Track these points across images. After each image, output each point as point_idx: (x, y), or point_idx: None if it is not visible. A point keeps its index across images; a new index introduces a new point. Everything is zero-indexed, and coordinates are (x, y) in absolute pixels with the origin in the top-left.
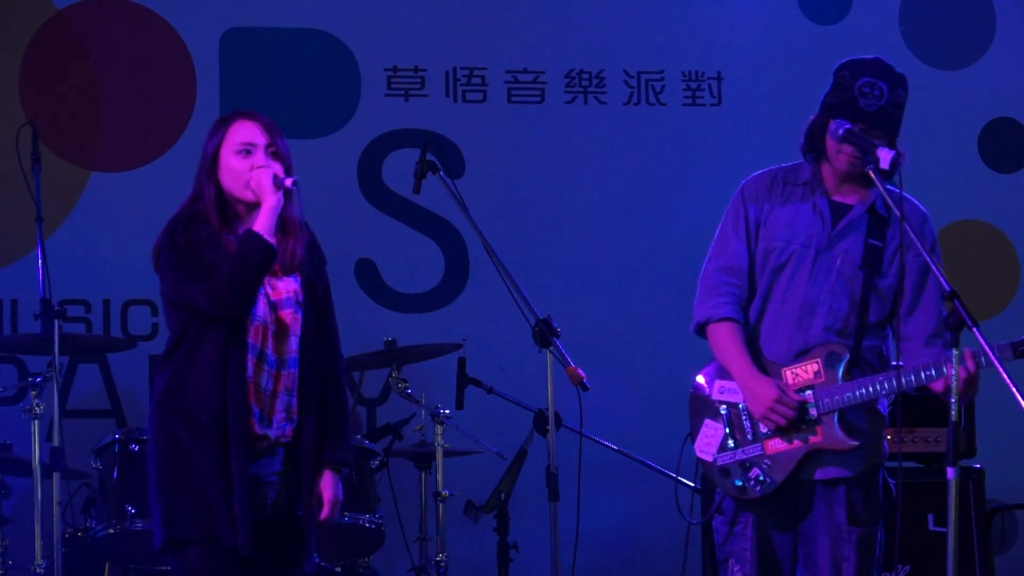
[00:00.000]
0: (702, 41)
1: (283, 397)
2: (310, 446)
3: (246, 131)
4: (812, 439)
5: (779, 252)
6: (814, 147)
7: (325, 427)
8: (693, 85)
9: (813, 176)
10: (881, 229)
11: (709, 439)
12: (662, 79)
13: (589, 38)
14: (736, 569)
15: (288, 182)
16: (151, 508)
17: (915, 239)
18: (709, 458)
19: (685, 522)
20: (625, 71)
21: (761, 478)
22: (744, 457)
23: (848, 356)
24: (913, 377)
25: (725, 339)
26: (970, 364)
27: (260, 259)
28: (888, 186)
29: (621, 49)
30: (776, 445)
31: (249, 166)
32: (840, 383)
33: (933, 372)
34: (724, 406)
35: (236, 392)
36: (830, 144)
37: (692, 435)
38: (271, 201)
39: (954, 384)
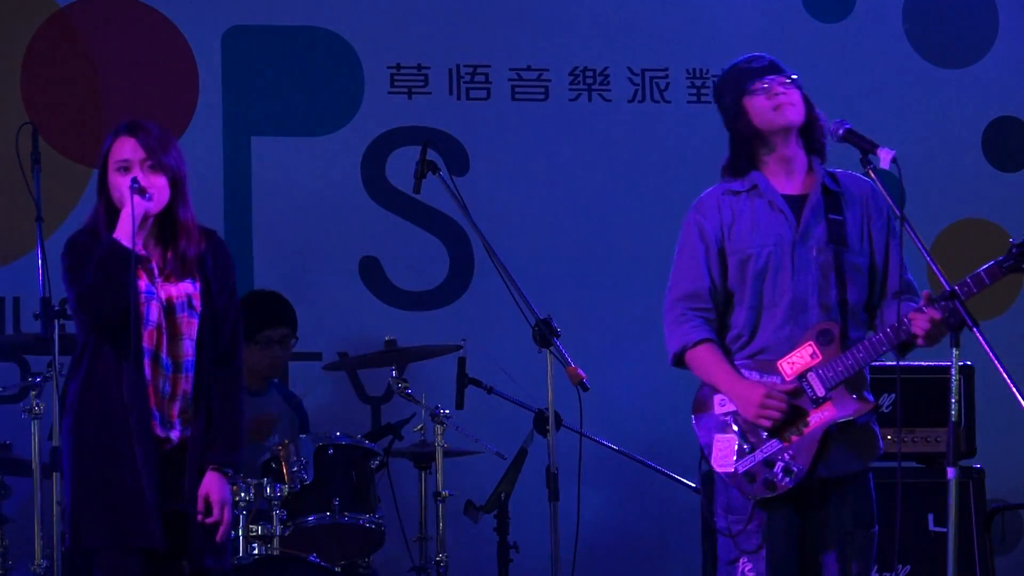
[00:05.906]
0: (707, 38)
1: (180, 400)
2: (196, 447)
3: (123, 148)
4: (827, 415)
5: (756, 257)
6: (746, 155)
7: (213, 430)
8: (698, 83)
9: (753, 181)
10: (836, 203)
11: (724, 452)
12: (667, 77)
13: (593, 35)
14: (748, 568)
15: (140, 182)
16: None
17: (874, 213)
18: (731, 469)
19: (699, 527)
20: (629, 69)
21: (788, 467)
22: (763, 456)
23: (839, 327)
24: (896, 331)
25: (705, 358)
26: (936, 313)
27: (118, 261)
28: (833, 169)
29: (625, 46)
30: (793, 435)
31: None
32: (840, 354)
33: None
34: (729, 416)
35: (135, 394)
36: (763, 116)
37: (706, 457)
38: (127, 206)
39: (954, 385)
